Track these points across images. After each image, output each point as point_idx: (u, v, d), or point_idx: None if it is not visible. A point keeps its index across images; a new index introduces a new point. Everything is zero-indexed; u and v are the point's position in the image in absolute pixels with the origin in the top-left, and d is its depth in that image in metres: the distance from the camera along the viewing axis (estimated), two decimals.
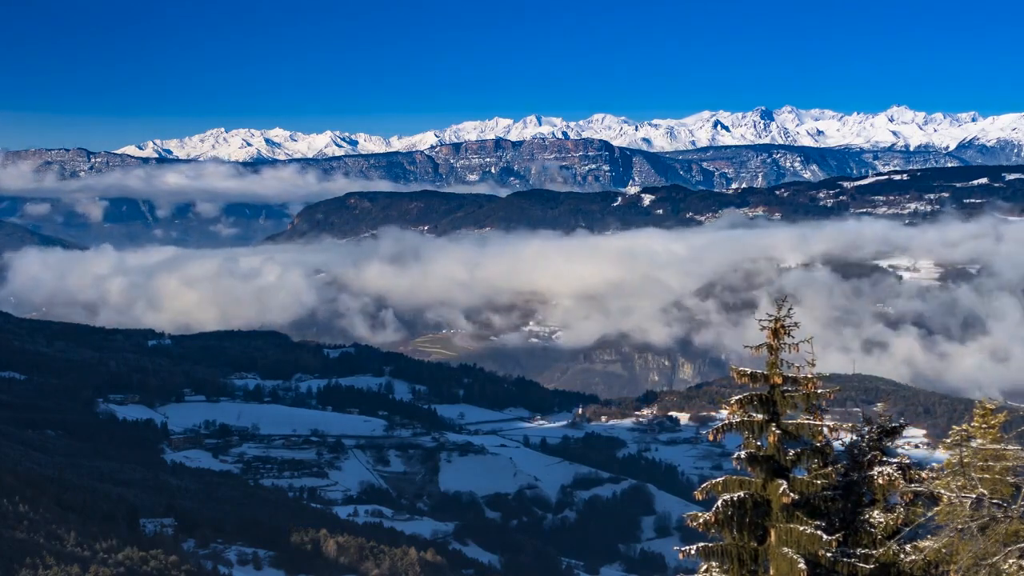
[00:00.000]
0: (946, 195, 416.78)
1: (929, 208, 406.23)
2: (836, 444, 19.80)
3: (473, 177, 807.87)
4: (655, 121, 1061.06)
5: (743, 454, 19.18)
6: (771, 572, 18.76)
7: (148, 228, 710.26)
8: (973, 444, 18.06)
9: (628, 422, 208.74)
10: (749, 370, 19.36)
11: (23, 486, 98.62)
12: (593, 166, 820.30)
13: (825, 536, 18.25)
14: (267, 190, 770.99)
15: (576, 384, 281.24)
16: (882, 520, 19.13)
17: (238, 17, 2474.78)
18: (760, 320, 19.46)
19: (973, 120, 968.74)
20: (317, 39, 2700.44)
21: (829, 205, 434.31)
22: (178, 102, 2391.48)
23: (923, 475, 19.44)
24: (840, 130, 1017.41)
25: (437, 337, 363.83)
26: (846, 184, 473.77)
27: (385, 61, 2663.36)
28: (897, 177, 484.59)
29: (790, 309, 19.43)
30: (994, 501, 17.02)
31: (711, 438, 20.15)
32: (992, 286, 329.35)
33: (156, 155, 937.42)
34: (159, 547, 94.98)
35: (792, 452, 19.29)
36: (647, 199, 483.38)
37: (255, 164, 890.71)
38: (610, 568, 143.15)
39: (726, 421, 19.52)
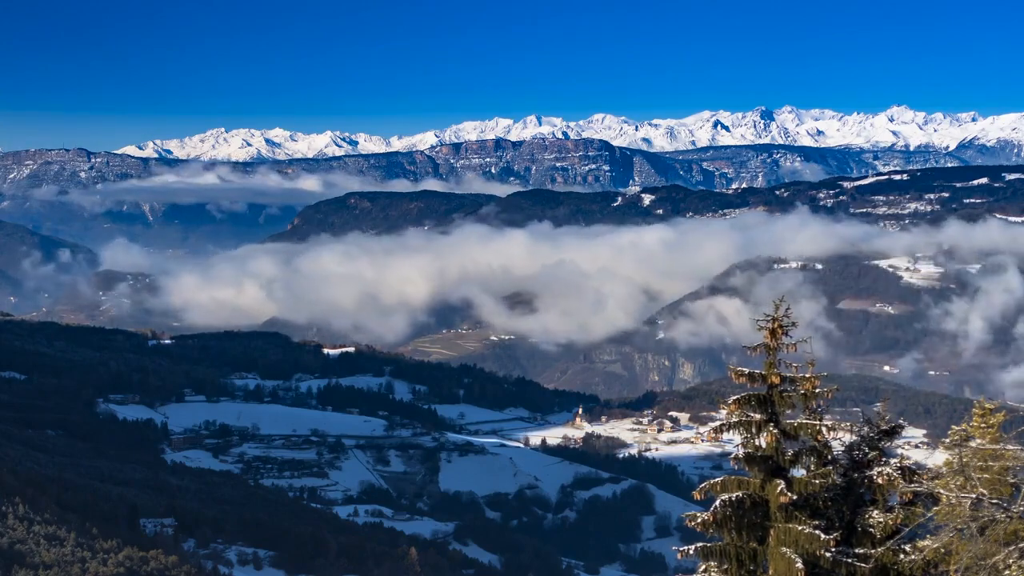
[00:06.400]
0: (946, 195, 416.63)
1: (929, 208, 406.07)
2: (835, 444, 19.77)
3: (473, 177, 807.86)
4: (655, 121, 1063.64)
5: (741, 454, 19.17)
6: (770, 572, 18.75)
7: (148, 228, 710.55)
8: (972, 444, 18.02)
9: (628, 422, 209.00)
10: (747, 370, 19.32)
11: (23, 486, 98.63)
12: (593, 166, 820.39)
13: (823, 536, 18.23)
14: (267, 190, 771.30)
15: (576, 384, 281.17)
16: (881, 520, 19.10)
17: (238, 17, 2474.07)
18: (758, 320, 19.44)
19: (973, 120, 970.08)
20: (317, 39, 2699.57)
21: (829, 205, 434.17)
22: (178, 102, 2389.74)
23: (923, 475, 19.41)
24: (840, 130, 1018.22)
25: (437, 337, 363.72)
26: (846, 184, 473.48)
27: (385, 61, 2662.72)
28: (897, 177, 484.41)
29: (788, 309, 19.40)
30: (994, 501, 16.99)
31: (710, 438, 20.16)
32: (992, 286, 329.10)
33: (156, 155, 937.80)
34: (159, 547, 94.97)
35: (791, 452, 19.27)
36: (647, 199, 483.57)
37: (255, 164, 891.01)
38: (610, 568, 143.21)
39: (725, 421, 19.50)
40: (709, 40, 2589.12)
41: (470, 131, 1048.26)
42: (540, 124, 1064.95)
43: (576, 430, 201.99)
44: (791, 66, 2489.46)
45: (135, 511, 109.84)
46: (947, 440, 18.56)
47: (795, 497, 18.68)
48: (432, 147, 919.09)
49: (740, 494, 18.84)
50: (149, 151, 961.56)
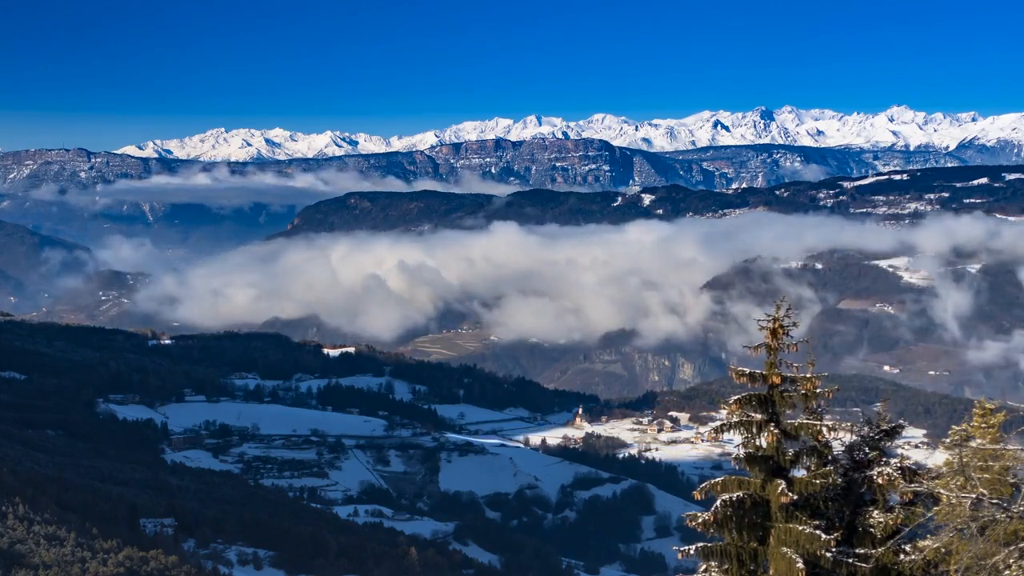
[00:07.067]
0: (946, 195, 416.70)
1: (929, 208, 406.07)
2: (836, 444, 19.79)
3: (473, 177, 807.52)
4: (655, 121, 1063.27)
5: (742, 454, 19.18)
6: (771, 572, 18.76)
7: (148, 228, 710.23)
8: (972, 444, 18.04)
9: (628, 422, 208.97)
10: (748, 370, 19.34)
11: (23, 486, 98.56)
12: (593, 166, 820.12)
13: (824, 536, 18.24)
14: (267, 190, 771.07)
15: (576, 384, 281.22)
16: (882, 520, 19.11)
17: (238, 17, 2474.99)
18: (759, 320, 19.45)
19: (973, 120, 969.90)
20: (317, 39, 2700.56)
21: (829, 205, 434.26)
22: (178, 102, 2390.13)
23: (923, 475, 19.42)
24: (840, 130, 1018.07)
25: (437, 337, 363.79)
26: (846, 184, 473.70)
27: (385, 61, 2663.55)
28: (897, 177, 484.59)
29: (788, 309, 19.41)
30: (994, 501, 16.99)
31: (710, 438, 20.24)
32: (991, 286, 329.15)
33: (156, 155, 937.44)
34: (159, 547, 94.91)
35: (791, 452, 19.28)
36: (647, 199, 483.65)
37: (255, 164, 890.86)
38: (610, 568, 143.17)
39: (725, 421, 19.51)
40: (709, 40, 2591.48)
41: (470, 131, 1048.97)
42: (540, 124, 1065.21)
43: (576, 430, 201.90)
44: (791, 66, 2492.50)
45: (135, 511, 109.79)
46: (947, 440, 18.57)
47: (796, 497, 18.69)
48: (432, 147, 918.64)
49: (741, 494, 18.85)
50: (149, 151, 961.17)
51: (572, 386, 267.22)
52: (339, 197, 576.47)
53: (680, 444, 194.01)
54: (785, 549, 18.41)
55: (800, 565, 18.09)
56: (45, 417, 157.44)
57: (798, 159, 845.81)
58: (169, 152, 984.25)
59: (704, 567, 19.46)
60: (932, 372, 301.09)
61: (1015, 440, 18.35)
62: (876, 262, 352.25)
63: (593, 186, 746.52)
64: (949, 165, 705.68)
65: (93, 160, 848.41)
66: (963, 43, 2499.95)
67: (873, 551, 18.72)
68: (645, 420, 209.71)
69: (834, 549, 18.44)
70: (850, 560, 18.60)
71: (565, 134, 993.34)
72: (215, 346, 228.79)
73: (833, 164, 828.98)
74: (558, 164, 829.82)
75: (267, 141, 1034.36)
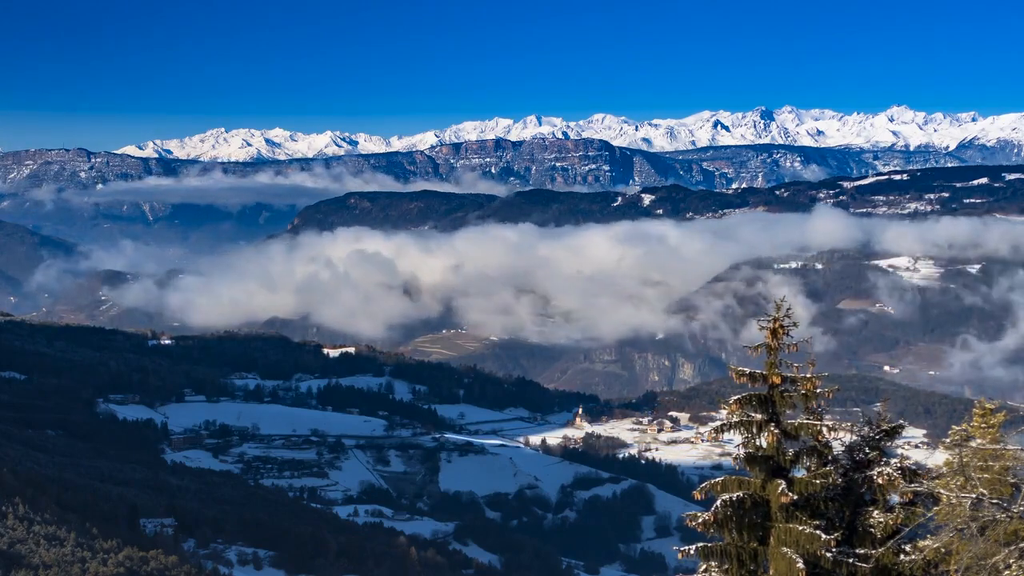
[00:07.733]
0: (946, 195, 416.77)
1: (929, 208, 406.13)
2: (836, 444, 19.79)
3: (473, 177, 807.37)
4: (655, 121, 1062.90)
5: (742, 454, 19.19)
6: (771, 572, 18.76)
7: (148, 228, 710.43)
8: (972, 444, 18.04)
9: (628, 422, 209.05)
10: (748, 370, 19.34)
11: (23, 486, 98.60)
12: (593, 166, 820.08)
13: (824, 536, 18.24)
14: (267, 190, 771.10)
15: (576, 384, 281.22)
16: (882, 520, 19.12)
17: (238, 16, 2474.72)
18: (759, 320, 19.45)
19: (973, 120, 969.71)
20: (317, 39, 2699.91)
21: (829, 205, 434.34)
22: (178, 102, 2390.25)
23: (923, 475, 19.43)
24: (840, 130, 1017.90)
25: (437, 337, 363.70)
26: (846, 184, 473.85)
27: (386, 61, 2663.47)
28: (897, 177, 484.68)
29: (788, 309, 19.41)
30: (994, 501, 16.99)
31: (710, 438, 20.26)
32: (991, 286, 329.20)
33: (156, 155, 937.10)
34: (159, 547, 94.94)
35: (791, 452, 19.29)
36: (647, 199, 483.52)
37: (255, 164, 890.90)
38: (610, 568, 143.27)
39: (725, 421, 19.51)
40: (709, 40, 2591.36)
41: (470, 131, 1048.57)
42: (540, 124, 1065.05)
43: (576, 430, 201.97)
44: (791, 66, 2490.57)
45: (135, 511, 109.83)
46: (947, 440, 18.57)
47: (796, 497, 18.69)
48: (432, 147, 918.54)
49: (741, 494, 18.85)
50: (149, 151, 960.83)
51: (572, 386, 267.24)
52: (339, 197, 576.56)
53: (680, 444, 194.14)
54: (785, 549, 18.41)
55: (800, 565, 18.09)
56: (45, 417, 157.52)
57: (798, 159, 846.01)
58: (169, 152, 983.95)
59: (704, 567, 19.46)
60: (932, 372, 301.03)
61: (1015, 440, 18.36)
62: (876, 262, 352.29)
63: (593, 186, 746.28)
64: (949, 165, 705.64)
65: (93, 160, 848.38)
66: (963, 43, 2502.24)
67: (873, 551, 18.72)
68: (645, 420, 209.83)
69: (834, 549, 18.44)
70: (850, 560, 18.60)
71: (565, 134, 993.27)
72: (215, 346, 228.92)
73: (833, 164, 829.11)
74: (558, 164, 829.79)
75: (267, 141, 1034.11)
